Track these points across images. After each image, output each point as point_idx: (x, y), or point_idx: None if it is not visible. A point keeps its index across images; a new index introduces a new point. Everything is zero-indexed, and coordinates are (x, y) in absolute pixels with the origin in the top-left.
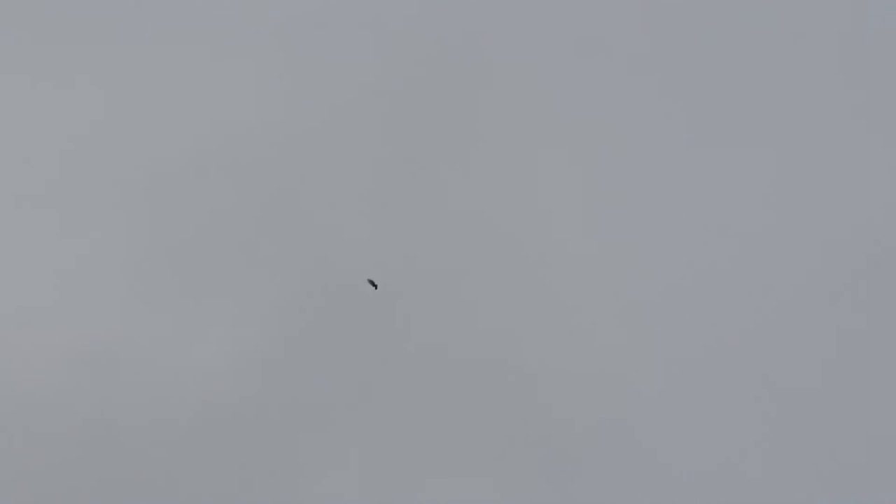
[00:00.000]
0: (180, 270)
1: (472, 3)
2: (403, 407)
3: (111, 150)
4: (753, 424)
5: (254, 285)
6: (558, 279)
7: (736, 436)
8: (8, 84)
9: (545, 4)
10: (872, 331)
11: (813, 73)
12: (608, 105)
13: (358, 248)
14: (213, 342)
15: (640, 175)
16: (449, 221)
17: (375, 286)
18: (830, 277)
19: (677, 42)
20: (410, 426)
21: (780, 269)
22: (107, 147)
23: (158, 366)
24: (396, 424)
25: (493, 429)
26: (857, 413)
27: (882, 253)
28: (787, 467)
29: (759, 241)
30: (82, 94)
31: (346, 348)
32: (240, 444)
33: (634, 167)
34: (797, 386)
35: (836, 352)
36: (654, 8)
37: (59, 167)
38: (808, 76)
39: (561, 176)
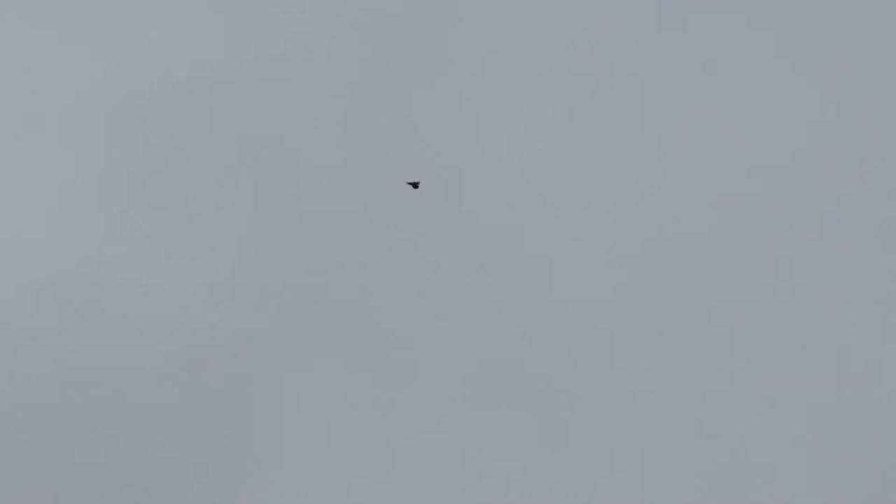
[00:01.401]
0: (156, 198)
1: None
2: (381, 335)
3: (85, 80)
4: (737, 358)
5: (230, 213)
6: (535, 219)
7: (721, 370)
8: None
9: None
10: (852, 271)
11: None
12: (590, 35)
13: (334, 176)
14: (189, 271)
15: (624, 110)
16: (425, 153)
17: (416, 186)
18: (812, 215)
19: None
20: (387, 357)
21: (760, 208)
22: (81, 77)
23: (134, 295)
24: (373, 353)
25: (472, 363)
26: (838, 346)
27: (860, 195)
28: (772, 401)
29: (736, 182)
30: (59, 23)
31: (321, 276)
32: (217, 373)
33: (619, 101)
34: (778, 321)
35: (816, 289)
36: None
37: (31, 97)
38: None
39: (540, 109)
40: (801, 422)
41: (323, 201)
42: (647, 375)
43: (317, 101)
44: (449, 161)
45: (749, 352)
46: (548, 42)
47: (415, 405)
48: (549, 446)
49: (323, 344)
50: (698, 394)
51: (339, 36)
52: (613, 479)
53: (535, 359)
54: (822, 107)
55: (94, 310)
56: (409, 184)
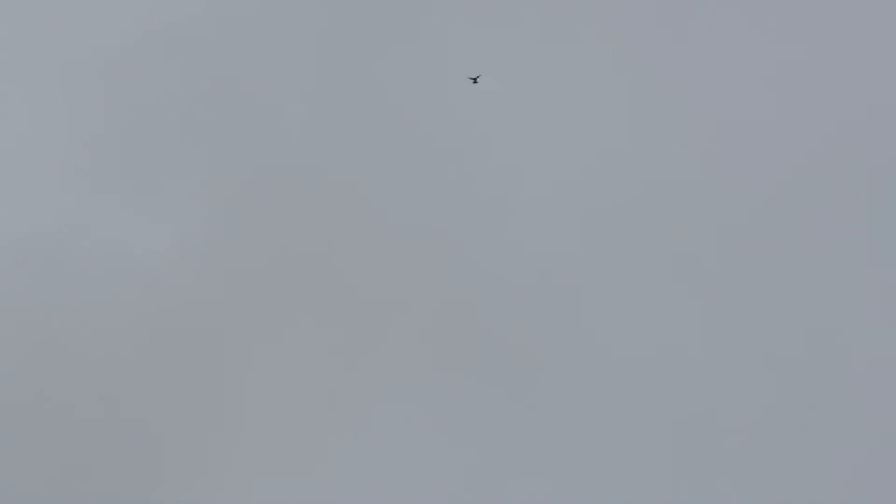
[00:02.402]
0: (123, 154)
1: None
2: (349, 295)
3: (54, 35)
4: (702, 314)
5: (200, 175)
6: (502, 179)
7: (687, 326)
8: None
9: None
10: (812, 227)
11: None
12: None
13: (302, 136)
14: (158, 232)
15: (591, 70)
16: (390, 110)
17: (476, 81)
18: (772, 173)
19: None
20: (355, 318)
21: (722, 165)
22: (49, 31)
23: (102, 256)
24: (341, 314)
25: (440, 323)
26: (798, 300)
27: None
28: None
29: (702, 140)
30: None
31: (289, 237)
32: (187, 333)
33: (587, 62)
34: (741, 277)
35: (778, 245)
36: None
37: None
38: None
39: (509, 68)
40: (766, 379)
41: (291, 162)
42: (614, 333)
43: (282, 56)
44: (414, 118)
45: (713, 307)
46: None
47: (383, 365)
48: (516, 404)
49: (292, 303)
50: (663, 349)
51: None
52: (581, 438)
53: (501, 318)
54: (781, 69)
55: (61, 270)
56: (470, 79)
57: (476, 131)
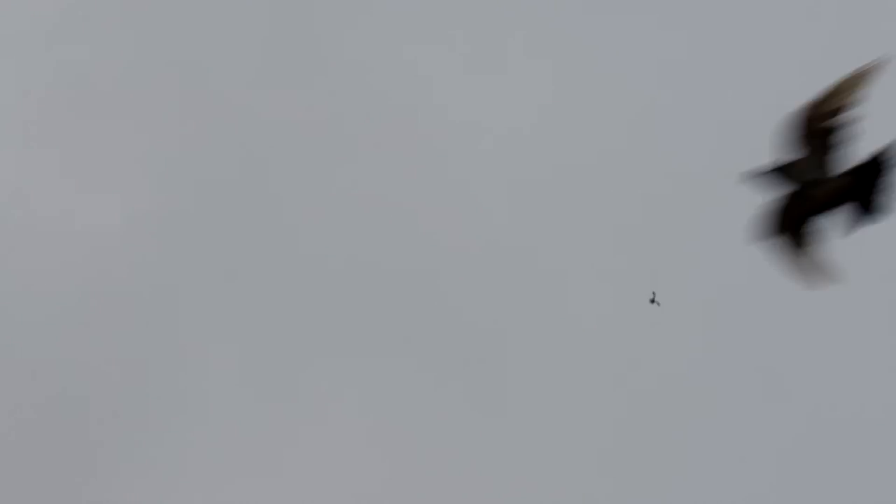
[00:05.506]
0: (69, 127)
1: None
2: (304, 274)
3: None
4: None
5: (148, 145)
6: (461, 153)
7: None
8: None
9: None
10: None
11: None
12: None
13: (256, 109)
14: (102, 202)
15: (544, 37)
16: (344, 84)
17: (654, 300)
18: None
19: None
20: (311, 296)
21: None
22: None
23: (45, 227)
24: (297, 294)
25: (398, 304)
26: (745, 264)
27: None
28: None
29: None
30: None
31: (243, 213)
32: (135, 315)
33: (539, 30)
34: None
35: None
36: None
37: None
38: None
39: (446, 45)
40: (737, 363)
41: (245, 134)
42: (587, 312)
43: (232, 33)
44: (368, 92)
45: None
46: None
47: (340, 350)
48: (484, 391)
49: (245, 282)
50: (641, 328)
51: None
52: (547, 425)
53: (460, 300)
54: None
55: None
56: (651, 301)
57: (432, 98)
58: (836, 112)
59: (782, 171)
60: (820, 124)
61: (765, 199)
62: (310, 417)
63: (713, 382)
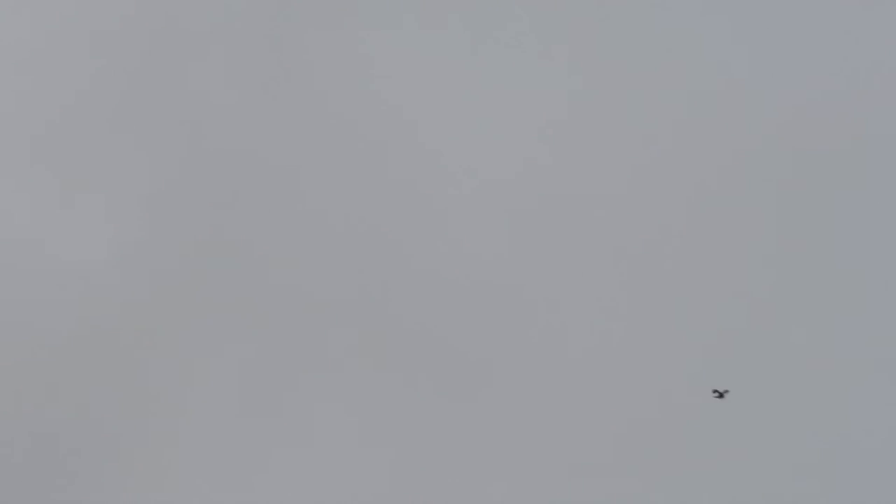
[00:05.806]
0: (61, 154)
1: None
2: (291, 303)
3: None
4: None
5: (143, 174)
6: (435, 173)
7: (629, 315)
8: None
9: None
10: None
11: None
12: None
13: (235, 123)
14: (88, 236)
15: (529, 58)
16: (320, 94)
17: (722, 395)
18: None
19: None
20: (296, 324)
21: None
22: None
23: (34, 261)
24: (283, 322)
25: (376, 324)
26: (743, 300)
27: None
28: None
29: (642, 130)
30: None
31: (227, 230)
32: (126, 346)
33: (524, 49)
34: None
35: (720, 229)
36: None
37: None
38: None
39: (443, 62)
40: (716, 371)
41: (225, 151)
42: (563, 333)
43: (213, 42)
44: (347, 106)
45: (661, 303)
46: None
47: (321, 369)
48: (462, 406)
49: (236, 315)
50: (614, 348)
51: None
52: (523, 440)
53: (437, 320)
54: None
55: None
56: (716, 393)
57: (413, 123)
58: None
59: None
60: None
61: None
62: (295, 435)
63: (691, 417)
